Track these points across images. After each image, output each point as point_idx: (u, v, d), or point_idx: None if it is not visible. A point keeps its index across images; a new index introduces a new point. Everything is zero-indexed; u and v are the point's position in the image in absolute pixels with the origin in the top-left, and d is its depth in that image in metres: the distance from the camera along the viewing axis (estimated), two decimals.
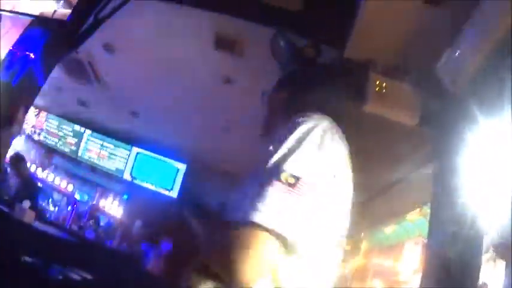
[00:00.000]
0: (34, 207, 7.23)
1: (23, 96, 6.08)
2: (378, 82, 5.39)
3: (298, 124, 1.63)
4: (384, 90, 5.36)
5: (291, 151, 1.55)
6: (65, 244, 8.07)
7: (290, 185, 1.49)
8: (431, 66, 4.91)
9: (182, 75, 8.82)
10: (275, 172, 1.51)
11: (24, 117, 6.24)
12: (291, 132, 1.61)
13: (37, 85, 6.41)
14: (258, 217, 1.45)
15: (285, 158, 1.54)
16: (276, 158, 1.55)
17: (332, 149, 1.66)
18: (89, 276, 7.00)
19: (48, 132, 14.35)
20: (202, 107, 9.98)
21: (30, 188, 8.20)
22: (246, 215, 1.47)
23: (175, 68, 8.66)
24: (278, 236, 1.47)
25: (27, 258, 6.14)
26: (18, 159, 8.27)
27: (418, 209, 9.39)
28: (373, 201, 9.42)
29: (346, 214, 1.79)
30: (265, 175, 1.53)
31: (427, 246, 5.54)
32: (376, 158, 6.86)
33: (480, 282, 4.66)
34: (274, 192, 1.48)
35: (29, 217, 6.64)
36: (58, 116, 14.28)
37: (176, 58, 8.27)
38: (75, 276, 6.79)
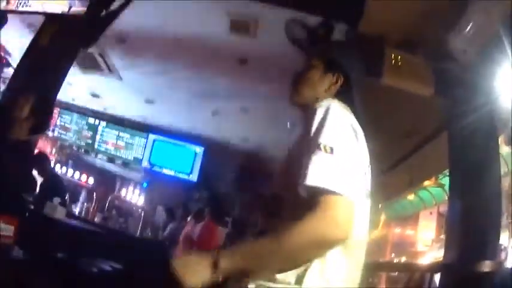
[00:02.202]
0: (63, 203, 7.31)
1: (45, 94, 6.12)
2: (392, 56, 5.46)
3: (317, 109, 1.94)
4: (399, 63, 5.42)
5: (320, 127, 1.87)
6: (94, 236, 8.19)
7: (329, 152, 1.79)
8: (444, 38, 4.96)
9: (196, 59, 8.84)
10: (316, 146, 1.81)
11: (51, 115, 6.28)
12: (315, 114, 1.92)
13: (57, 83, 6.47)
14: (323, 182, 1.73)
15: (318, 134, 1.85)
16: (312, 135, 1.87)
17: (347, 118, 1.99)
18: (118, 266, 7.13)
19: (62, 127, 14.32)
20: (219, 89, 10.02)
21: (56, 185, 8.28)
22: (307, 183, 1.75)
23: (189, 53, 8.69)
24: (343, 196, 1.73)
25: (61, 254, 6.25)
26: (42, 157, 8.34)
27: (433, 178, 9.46)
28: (390, 172, 9.47)
29: (368, 170, 2.09)
30: (309, 150, 1.82)
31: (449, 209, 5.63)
32: (393, 128, 6.92)
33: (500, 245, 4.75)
34: (321, 160, 1.77)
35: (60, 213, 6.73)
36: (71, 110, 14.25)
37: (190, 42, 8.29)
38: (107, 267, 6.91)
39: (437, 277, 5.23)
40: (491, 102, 4.43)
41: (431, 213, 10.94)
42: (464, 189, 4.94)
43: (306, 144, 1.88)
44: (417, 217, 11.71)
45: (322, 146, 1.79)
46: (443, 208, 9.95)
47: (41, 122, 5.58)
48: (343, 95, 2.17)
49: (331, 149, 1.79)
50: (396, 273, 8.28)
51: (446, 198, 8.47)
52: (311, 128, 1.89)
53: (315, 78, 2.22)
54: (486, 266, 3.83)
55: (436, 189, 9.73)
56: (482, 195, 4.65)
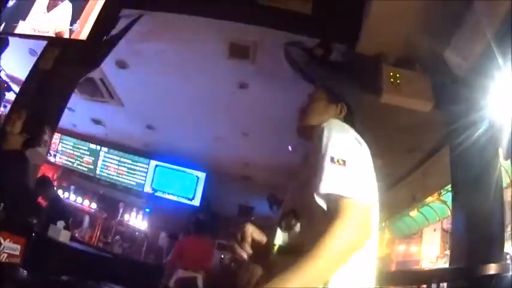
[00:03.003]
0: (67, 227, 7.33)
1: (46, 117, 6.17)
2: (391, 73, 5.52)
3: (323, 128, 2.07)
4: (398, 81, 5.49)
5: (328, 142, 1.99)
6: (98, 260, 8.22)
7: (341, 164, 1.90)
8: (439, 53, 5.05)
9: (196, 84, 8.90)
10: (327, 159, 1.91)
11: (50, 139, 6.32)
12: (322, 132, 2.05)
13: (60, 106, 6.54)
14: (335, 189, 1.83)
15: (327, 148, 1.96)
16: (324, 149, 1.96)
17: (351, 132, 2.15)
18: None
19: (63, 153, 14.43)
20: (219, 114, 10.08)
21: (60, 209, 8.29)
22: (322, 191, 1.84)
23: (189, 78, 8.75)
24: (357, 200, 1.83)
25: (65, 277, 6.27)
26: (45, 182, 8.36)
27: (436, 194, 9.48)
28: (393, 189, 9.52)
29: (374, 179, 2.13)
30: (322, 163, 1.91)
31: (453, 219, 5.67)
32: (395, 145, 6.98)
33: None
34: (333, 171, 1.88)
35: (64, 236, 6.76)
36: (72, 136, 14.31)
37: (189, 68, 8.37)
38: None
39: None
40: (489, 115, 4.48)
41: (435, 229, 10.92)
42: (467, 202, 4.99)
43: (317, 161, 1.96)
44: (421, 234, 11.71)
45: (333, 159, 1.90)
46: (447, 224, 9.95)
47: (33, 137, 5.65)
48: (345, 119, 2.34)
49: (343, 161, 1.90)
50: None
51: (449, 214, 8.50)
52: (320, 145, 1.99)
53: (320, 109, 2.38)
54: (492, 268, 3.86)
55: (438, 205, 9.74)
56: (485, 207, 4.69)
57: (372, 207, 1.93)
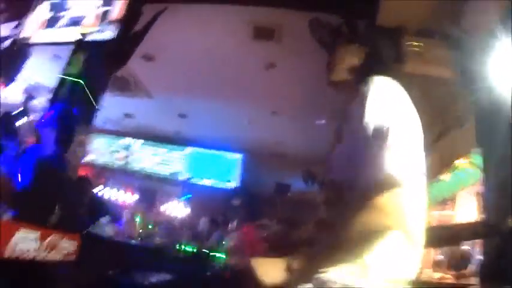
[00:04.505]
0: (110, 222, 7.48)
1: (81, 118, 6.28)
2: (412, 44, 5.57)
3: (372, 89, 1.91)
4: (420, 50, 5.53)
5: (377, 112, 1.84)
6: (141, 252, 8.38)
7: (386, 139, 1.76)
8: (458, 22, 5.07)
9: (224, 69, 8.98)
10: (373, 137, 1.79)
11: (87, 139, 6.43)
12: (369, 97, 1.88)
13: (94, 107, 6.64)
14: (389, 170, 1.71)
15: (375, 119, 1.82)
16: (369, 121, 1.82)
17: (400, 96, 1.96)
18: (167, 278, 7.31)
19: (97, 151, 14.49)
20: (249, 96, 10.17)
21: (101, 206, 8.43)
22: (372, 175, 1.74)
23: (217, 64, 8.82)
24: (407, 184, 1.73)
25: (115, 270, 6.43)
26: (85, 181, 8.50)
27: (466, 158, 9.46)
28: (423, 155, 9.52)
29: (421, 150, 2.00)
30: (368, 138, 1.80)
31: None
32: (422, 111, 7.01)
33: None
34: (382, 152, 1.74)
35: (109, 231, 6.91)
36: (104, 133, 14.42)
37: (216, 54, 8.45)
38: (157, 280, 7.09)
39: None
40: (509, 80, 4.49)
41: (469, 194, 10.87)
42: (494, 164, 5.02)
43: (362, 129, 1.84)
44: (454, 201, 11.64)
45: (377, 136, 1.78)
46: (480, 188, 9.92)
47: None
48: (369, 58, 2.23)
49: (388, 132, 1.78)
50: (442, 256, 8.24)
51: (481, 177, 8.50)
52: (366, 110, 1.86)
53: (340, 52, 2.26)
54: None
55: (470, 169, 9.71)
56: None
57: (416, 185, 1.82)
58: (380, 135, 1.78)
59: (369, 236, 1.73)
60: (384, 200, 1.70)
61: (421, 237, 1.88)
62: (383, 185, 1.71)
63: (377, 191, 1.70)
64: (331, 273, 1.75)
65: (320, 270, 1.77)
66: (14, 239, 3.97)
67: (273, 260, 1.86)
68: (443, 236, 5.25)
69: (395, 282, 1.79)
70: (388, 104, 1.87)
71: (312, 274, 1.78)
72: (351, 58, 2.22)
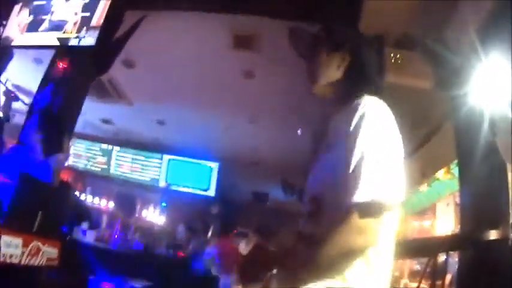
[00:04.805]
0: (90, 228, 7.51)
1: (63, 124, 6.30)
2: (392, 54, 5.68)
3: (362, 109, 1.93)
4: (399, 61, 5.64)
5: (370, 135, 1.86)
6: (121, 258, 8.42)
7: (378, 162, 1.80)
8: (440, 32, 5.18)
9: (203, 77, 9.03)
10: (366, 158, 1.81)
11: (68, 145, 6.45)
12: (357, 114, 1.91)
13: (75, 112, 6.67)
14: (373, 196, 1.76)
15: (368, 144, 1.84)
16: (359, 143, 1.84)
17: (389, 117, 1.99)
18: (147, 283, 7.36)
19: (76, 155, 14.42)
20: (227, 104, 10.24)
21: (82, 211, 8.45)
22: (356, 198, 1.76)
23: (196, 72, 8.89)
24: (390, 206, 1.82)
25: (95, 275, 6.47)
26: (65, 186, 8.50)
27: (445, 168, 9.57)
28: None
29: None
30: (357, 161, 1.82)
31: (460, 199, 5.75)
32: (400, 122, 7.11)
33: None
34: (372, 172, 1.79)
35: (90, 237, 6.95)
36: (83, 138, 14.33)
37: (196, 62, 8.52)
38: (138, 285, 7.14)
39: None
40: (486, 92, 4.58)
41: (448, 204, 10.95)
42: (472, 175, 5.11)
43: (349, 146, 1.87)
44: (434, 210, 11.73)
45: (372, 158, 1.81)
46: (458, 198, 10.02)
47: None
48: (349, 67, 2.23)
49: (384, 157, 1.83)
50: (418, 266, 8.35)
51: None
52: (353, 127, 1.89)
53: (322, 63, 2.24)
54: (495, 234, 3.94)
55: (448, 179, 9.81)
56: (490, 179, 4.81)
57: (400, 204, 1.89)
58: (369, 155, 1.81)
59: (348, 253, 1.80)
60: (368, 222, 1.77)
61: (389, 256, 1.96)
62: (369, 207, 1.76)
63: (362, 212, 1.76)
64: None
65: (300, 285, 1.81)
66: None
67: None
68: (419, 249, 5.34)
69: None
70: (377, 125, 1.91)
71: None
72: (332, 69, 2.23)
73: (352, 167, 1.82)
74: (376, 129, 1.89)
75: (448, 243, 4.63)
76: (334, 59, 2.24)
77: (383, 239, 1.84)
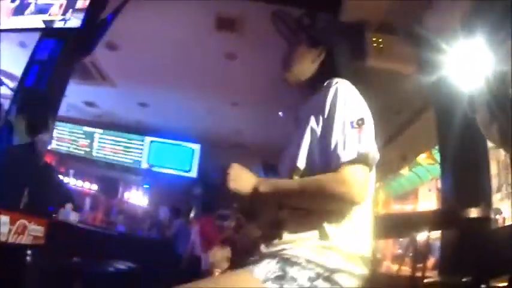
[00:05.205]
0: (74, 209, 7.54)
1: (48, 105, 6.32)
2: (374, 39, 5.77)
3: (335, 85, 2.05)
4: (381, 46, 5.73)
5: (347, 104, 1.98)
6: (105, 239, 8.47)
7: (359, 125, 1.92)
8: (419, 18, 5.27)
9: (186, 59, 9.07)
10: (347, 123, 1.93)
11: (53, 126, 6.47)
12: (332, 92, 2.03)
13: (60, 94, 6.69)
14: (357, 155, 1.86)
15: (346, 111, 1.96)
16: (341, 113, 1.96)
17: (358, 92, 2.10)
18: (131, 265, 7.42)
19: (59, 139, 14.43)
20: (209, 86, 10.31)
21: (65, 193, 8.47)
22: (342, 159, 1.86)
23: (179, 53, 8.94)
24: (372, 164, 1.94)
25: (79, 256, 6.52)
26: (48, 168, 8.51)
27: (427, 153, 9.68)
28: (383, 149, 9.70)
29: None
30: (339, 127, 1.93)
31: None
32: (381, 107, 7.19)
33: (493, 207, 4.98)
34: (354, 135, 1.90)
35: (74, 218, 6.99)
36: (66, 121, 14.28)
37: (179, 44, 8.58)
38: (122, 267, 7.20)
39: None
40: (466, 76, 4.64)
41: (430, 189, 11.07)
42: (453, 160, 5.21)
43: (326, 122, 2.00)
44: (416, 196, 11.86)
45: (353, 123, 1.92)
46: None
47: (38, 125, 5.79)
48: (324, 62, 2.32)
49: (362, 121, 1.93)
50: (400, 250, 8.42)
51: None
52: (329, 106, 2.00)
53: (299, 54, 2.33)
54: (478, 212, 4.01)
55: (430, 164, 9.91)
56: (471, 163, 4.92)
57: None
58: (349, 121, 1.93)
59: (330, 205, 1.90)
60: (351, 172, 1.85)
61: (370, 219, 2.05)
62: (354, 160, 1.85)
63: (347, 166, 1.85)
64: (294, 249, 1.87)
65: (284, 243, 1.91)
66: None
67: (247, 176, 2.13)
68: (401, 224, 5.41)
69: (353, 259, 1.90)
70: (351, 94, 2.03)
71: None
72: (306, 62, 2.33)
73: (334, 133, 1.93)
74: (350, 97, 2.02)
75: (431, 218, 4.71)
76: (311, 53, 2.32)
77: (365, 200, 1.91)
